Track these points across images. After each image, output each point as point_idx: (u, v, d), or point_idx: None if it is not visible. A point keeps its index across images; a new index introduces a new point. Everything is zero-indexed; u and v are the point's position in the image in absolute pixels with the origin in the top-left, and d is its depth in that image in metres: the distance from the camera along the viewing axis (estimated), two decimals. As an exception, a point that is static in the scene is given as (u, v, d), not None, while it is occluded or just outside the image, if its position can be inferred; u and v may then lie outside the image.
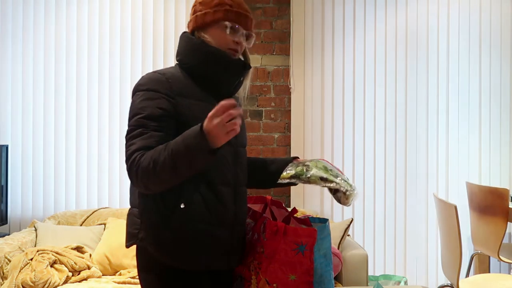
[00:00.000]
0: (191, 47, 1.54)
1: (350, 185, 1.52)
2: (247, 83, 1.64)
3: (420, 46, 3.73)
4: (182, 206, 1.44)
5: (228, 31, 1.52)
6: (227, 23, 1.51)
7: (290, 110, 3.69)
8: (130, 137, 1.42)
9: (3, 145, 3.39)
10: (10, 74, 3.58)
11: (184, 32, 1.60)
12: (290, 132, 3.68)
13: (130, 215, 1.53)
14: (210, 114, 1.29)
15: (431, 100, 3.73)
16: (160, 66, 3.60)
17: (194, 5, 1.57)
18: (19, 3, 3.58)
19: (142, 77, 1.51)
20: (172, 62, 3.62)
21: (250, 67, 1.61)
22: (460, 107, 3.74)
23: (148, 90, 1.45)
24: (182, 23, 3.63)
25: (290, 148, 3.68)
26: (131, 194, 1.56)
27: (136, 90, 1.49)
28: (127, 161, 1.40)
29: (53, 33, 3.59)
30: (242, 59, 1.61)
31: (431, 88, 3.73)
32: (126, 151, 1.42)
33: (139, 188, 1.45)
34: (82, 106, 3.60)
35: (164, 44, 3.62)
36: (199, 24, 1.54)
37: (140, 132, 1.41)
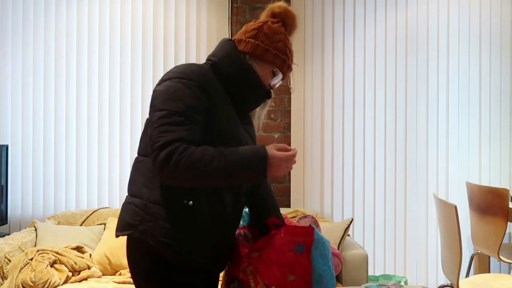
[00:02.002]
0: (238, 64, 1.56)
1: None
2: (263, 111, 1.72)
3: (420, 46, 3.73)
4: (190, 203, 1.44)
5: (273, 76, 1.62)
6: (278, 71, 1.62)
7: (290, 110, 3.69)
8: (167, 122, 1.38)
9: (3, 145, 3.39)
10: (10, 74, 3.58)
11: (230, 41, 1.61)
12: (290, 132, 3.68)
13: (130, 204, 1.51)
14: (282, 155, 1.41)
15: (431, 100, 3.73)
16: (160, 66, 3.61)
17: (258, 30, 1.59)
18: (19, 3, 3.58)
19: (181, 65, 1.51)
20: (171, 61, 3.62)
21: (270, 96, 1.69)
22: (460, 107, 3.74)
23: (191, 80, 1.45)
24: (181, 23, 3.63)
25: (290, 148, 3.67)
26: (132, 182, 1.54)
27: (173, 77, 1.46)
28: (164, 146, 1.36)
29: (53, 33, 3.59)
30: None
31: (431, 88, 3.73)
32: (160, 136, 1.37)
33: (164, 176, 1.40)
34: (82, 106, 3.61)
35: (164, 44, 3.62)
36: (256, 53, 1.58)
37: (181, 121, 1.39)
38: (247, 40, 1.58)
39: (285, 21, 1.63)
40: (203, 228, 1.47)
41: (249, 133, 1.66)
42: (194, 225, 1.45)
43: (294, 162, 1.45)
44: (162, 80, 1.49)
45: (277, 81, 1.63)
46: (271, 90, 1.66)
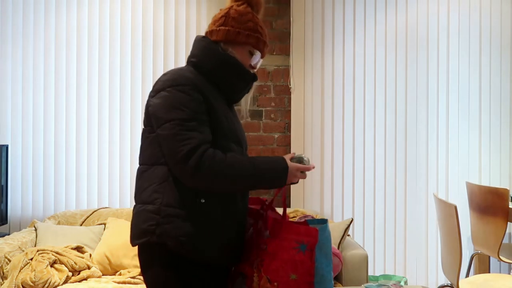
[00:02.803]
0: (217, 56, 1.60)
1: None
2: (249, 96, 1.75)
3: (420, 46, 3.73)
4: (202, 200, 1.49)
5: (251, 56, 1.65)
6: (255, 50, 1.64)
7: (290, 110, 3.69)
8: (182, 130, 1.44)
9: (3, 145, 3.39)
10: (10, 74, 3.58)
11: (204, 37, 1.64)
12: (290, 132, 3.69)
13: (143, 211, 1.52)
14: (300, 166, 1.56)
15: (431, 100, 3.73)
16: (160, 66, 3.61)
17: (225, 16, 1.62)
18: (19, 3, 3.58)
19: (171, 73, 1.54)
20: (171, 61, 3.62)
21: (256, 78, 1.71)
22: (460, 107, 3.74)
23: (185, 85, 1.49)
24: (182, 23, 3.63)
25: (290, 148, 3.68)
26: (141, 191, 1.55)
27: (166, 86, 1.50)
28: (190, 154, 1.41)
29: (53, 33, 3.59)
30: None
31: (431, 88, 3.73)
32: (182, 145, 1.42)
33: (197, 181, 1.45)
34: (82, 106, 3.60)
35: (164, 44, 3.62)
36: (229, 39, 1.60)
37: (194, 126, 1.45)
38: (218, 29, 1.61)
39: (250, 1, 1.65)
40: (218, 223, 1.51)
41: (240, 125, 1.71)
42: (209, 221, 1.50)
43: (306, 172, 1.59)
44: (156, 91, 1.51)
45: (257, 60, 1.67)
46: (255, 72, 1.69)
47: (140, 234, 1.52)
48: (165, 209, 1.48)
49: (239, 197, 1.59)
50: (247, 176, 1.48)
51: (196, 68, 1.59)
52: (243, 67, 1.62)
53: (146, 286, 1.57)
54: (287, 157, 1.56)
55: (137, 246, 1.56)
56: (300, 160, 1.60)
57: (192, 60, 1.62)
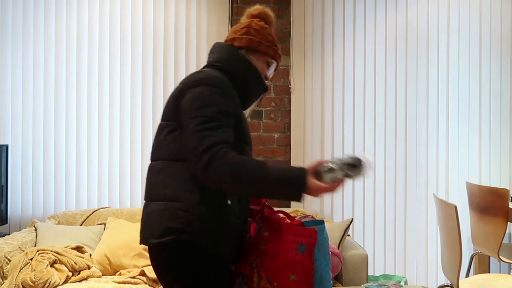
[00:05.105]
0: (244, 63, 1.67)
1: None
2: (255, 104, 1.84)
3: (420, 46, 3.73)
4: (229, 202, 1.54)
5: (268, 67, 1.75)
6: (272, 61, 1.74)
7: (290, 110, 3.69)
8: (205, 127, 1.47)
9: (3, 145, 3.39)
10: (10, 74, 3.58)
11: (229, 44, 1.71)
12: (290, 132, 3.69)
13: (168, 209, 1.49)
14: (323, 186, 1.44)
15: (431, 100, 3.73)
16: (161, 66, 3.61)
17: (247, 27, 1.72)
18: (19, 3, 3.58)
19: (207, 73, 1.58)
20: (171, 61, 3.62)
21: (267, 89, 1.81)
22: (460, 107, 3.74)
23: (219, 87, 1.55)
24: (181, 23, 3.63)
25: (290, 148, 3.68)
26: (162, 188, 1.53)
27: (202, 83, 1.54)
28: (206, 150, 1.43)
29: (53, 33, 3.59)
30: None
31: (431, 88, 3.73)
32: (201, 141, 1.45)
33: (206, 179, 1.45)
34: (82, 106, 3.61)
35: (164, 44, 3.62)
36: (252, 47, 1.69)
37: (217, 125, 1.48)
38: (241, 37, 1.70)
39: (266, 20, 1.76)
40: (234, 223, 1.57)
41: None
42: (230, 222, 1.55)
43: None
44: (192, 86, 1.54)
45: (271, 71, 1.77)
46: (267, 86, 1.78)
47: (164, 232, 1.48)
48: (195, 208, 1.48)
49: (246, 198, 1.65)
50: (258, 182, 1.44)
51: (223, 72, 1.63)
52: (261, 76, 1.70)
53: (166, 284, 1.55)
54: (310, 168, 1.48)
55: (143, 245, 1.58)
56: (319, 173, 1.43)
57: (218, 64, 1.66)
